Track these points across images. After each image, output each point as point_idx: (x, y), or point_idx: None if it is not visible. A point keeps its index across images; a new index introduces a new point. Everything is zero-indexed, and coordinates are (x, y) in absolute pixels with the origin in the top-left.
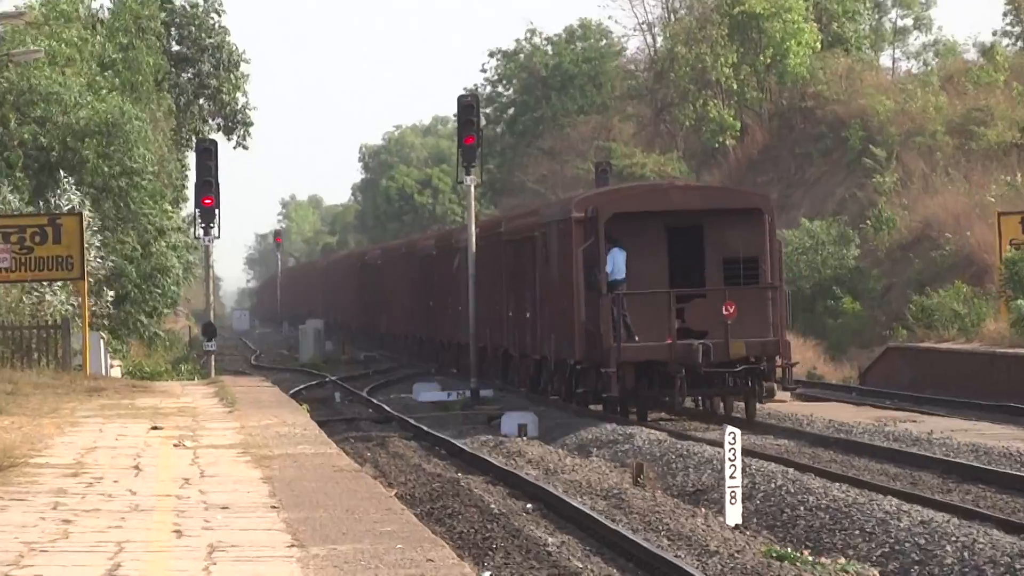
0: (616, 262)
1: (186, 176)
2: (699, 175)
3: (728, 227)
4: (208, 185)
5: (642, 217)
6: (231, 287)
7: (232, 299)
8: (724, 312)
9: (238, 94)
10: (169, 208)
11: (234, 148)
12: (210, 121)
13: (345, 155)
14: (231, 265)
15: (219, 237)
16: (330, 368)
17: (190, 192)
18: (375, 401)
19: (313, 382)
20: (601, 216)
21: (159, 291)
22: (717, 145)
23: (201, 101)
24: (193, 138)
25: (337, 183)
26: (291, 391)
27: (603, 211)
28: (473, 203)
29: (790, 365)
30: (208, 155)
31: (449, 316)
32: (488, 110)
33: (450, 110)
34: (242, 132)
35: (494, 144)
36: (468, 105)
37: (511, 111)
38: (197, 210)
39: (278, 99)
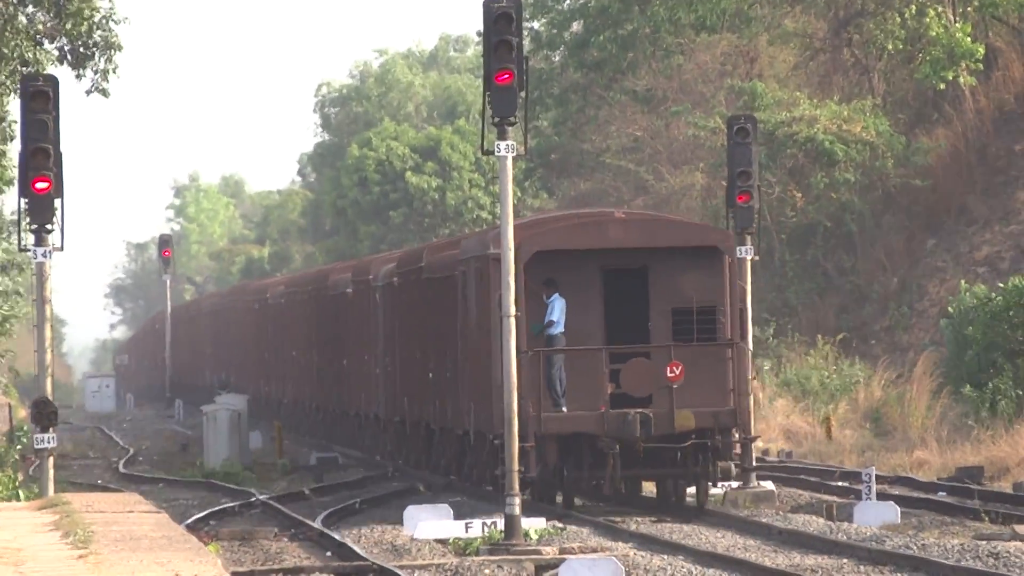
0: (556, 311)
1: (5, 141)
2: (911, 137)
3: (679, 270)
4: (43, 156)
5: (572, 257)
6: (84, 336)
7: (86, 358)
8: (668, 375)
9: None
10: None
11: (88, 93)
12: (46, 45)
13: (288, 103)
14: (84, 299)
15: (62, 248)
16: (259, 479)
17: (10, 169)
18: (337, 538)
19: (228, 503)
20: (521, 255)
21: None
22: (943, 86)
23: (30, 8)
24: (16, 73)
25: (273, 154)
26: (189, 519)
27: (523, 249)
28: (510, 188)
29: (749, 440)
30: (43, 103)
31: (363, 379)
32: (538, 24)
33: (470, 25)
34: (102, 64)
35: (550, 84)
36: (503, 15)
37: (578, 26)
38: (23, 200)
39: (168, 6)
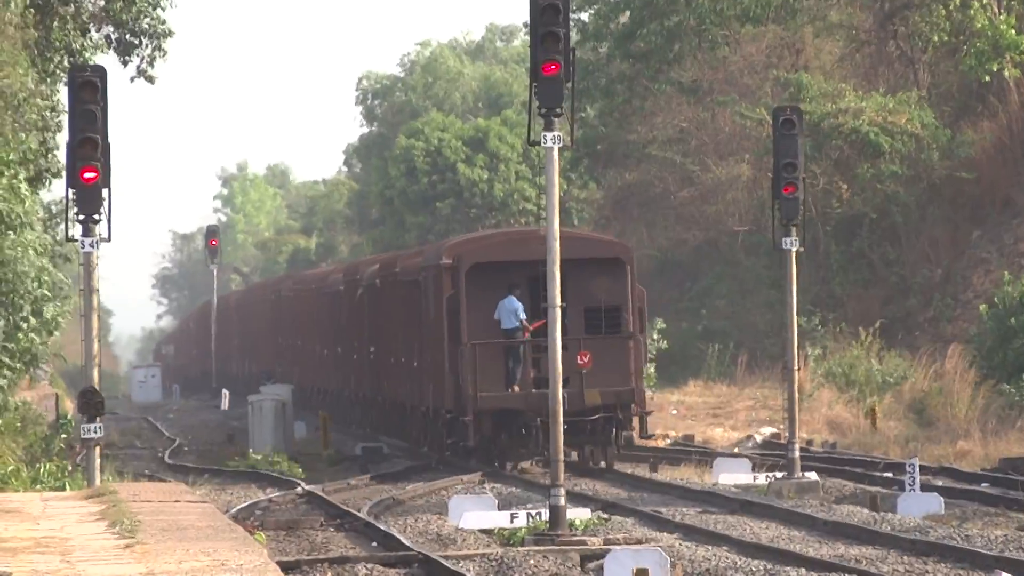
0: (503, 310)
1: (55, 129)
2: (956, 131)
3: (590, 277)
4: (91, 146)
5: (504, 267)
6: (130, 326)
7: (132, 348)
8: (579, 361)
9: None
10: (23, 187)
11: (133, 80)
12: (93, 33)
13: (334, 93)
14: (131, 289)
15: (109, 239)
16: (304, 468)
17: (58, 158)
18: (382, 528)
19: (273, 493)
20: (462, 266)
21: (20, 329)
22: (988, 78)
23: None
24: (64, 62)
25: (319, 144)
26: (234, 509)
27: (464, 261)
28: (556, 179)
29: (645, 414)
30: (91, 94)
31: (354, 365)
32: (585, 15)
33: (517, 16)
34: (150, 52)
35: (596, 75)
36: (550, 7)
37: (625, 17)
38: (70, 191)
39: None
